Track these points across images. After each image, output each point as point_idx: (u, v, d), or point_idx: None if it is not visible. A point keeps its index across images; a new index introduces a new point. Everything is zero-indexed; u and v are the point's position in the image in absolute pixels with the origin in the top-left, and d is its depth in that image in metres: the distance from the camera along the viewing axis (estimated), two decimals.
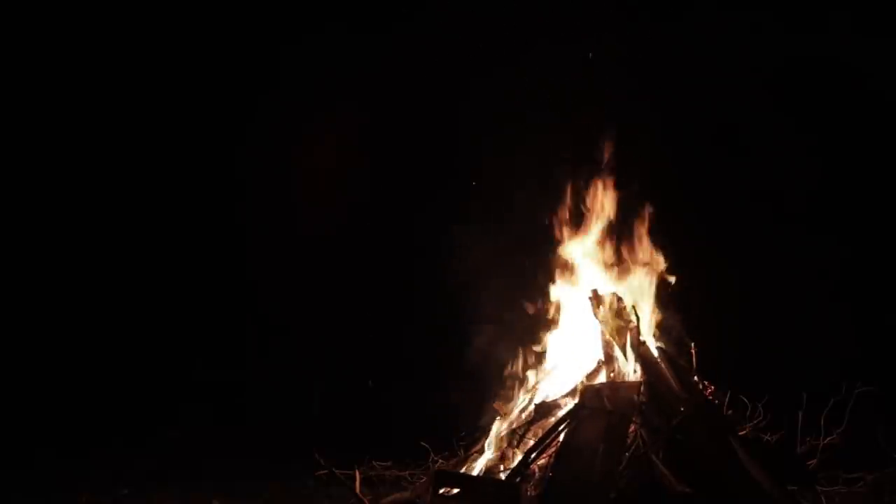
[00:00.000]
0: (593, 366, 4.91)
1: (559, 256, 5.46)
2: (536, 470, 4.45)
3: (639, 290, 5.18)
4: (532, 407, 4.90)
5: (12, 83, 8.20)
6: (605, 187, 5.41)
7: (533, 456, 4.43)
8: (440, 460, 5.24)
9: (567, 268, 5.42)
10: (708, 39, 7.19)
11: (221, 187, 8.53)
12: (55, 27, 8.25)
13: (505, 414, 5.15)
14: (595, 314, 4.92)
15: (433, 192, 7.87)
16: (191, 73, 8.51)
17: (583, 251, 5.40)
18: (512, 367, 5.40)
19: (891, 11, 7.36)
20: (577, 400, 4.59)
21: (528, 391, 5.22)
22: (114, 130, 8.59)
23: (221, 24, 8.39)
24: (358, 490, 4.54)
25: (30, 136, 8.43)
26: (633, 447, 4.20)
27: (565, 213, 5.49)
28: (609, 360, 4.82)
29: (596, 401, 4.38)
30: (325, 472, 4.69)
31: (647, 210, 5.32)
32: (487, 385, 5.44)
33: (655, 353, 4.76)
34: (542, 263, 5.51)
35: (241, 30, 8.43)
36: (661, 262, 5.24)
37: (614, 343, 4.80)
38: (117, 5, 8.28)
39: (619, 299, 4.91)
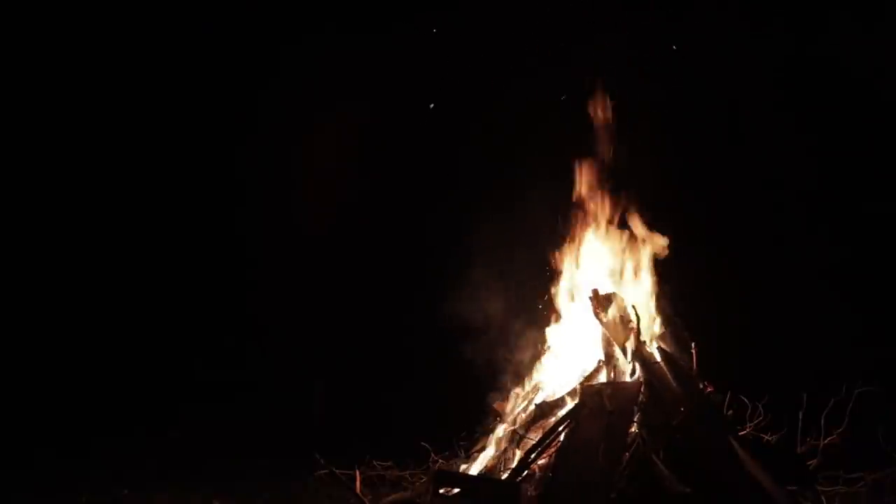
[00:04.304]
0: (593, 366, 4.91)
1: (561, 257, 5.46)
2: (536, 470, 4.45)
3: (639, 289, 5.18)
4: (532, 407, 4.89)
5: (13, 84, 8.20)
6: (607, 187, 5.41)
7: (533, 456, 4.43)
8: (440, 460, 5.23)
9: (569, 268, 5.42)
10: (710, 37, 7.19)
11: (222, 189, 8.54)
12: (56, 28, 8.26)
13: (505, 414, 5.15)
14: (595, 314, 4.92)
15: (434, 193, 7.87)
16: (191, 74, 8.52)
17: (584, 252, 5.40)
18: (513, 367, 5.40)
19: (891, 11, 7.37)
20: (577, 400, 4.59)
21: (528, 391, 5.21)
22: (114, 132, 8.60)
23: (221, 26, 8.39)
24: (358, 490, 4.54)
25: (31, 138, 8.44)
26: (633, 447, 4.20)
27: (567, 214, 5.48)
28: (609, 360, 4.82)
29: (596, 401, 4.38)
30: (325, 472, 4.69)
31: (647, 210, 5.32)
32: (488, 385, 5.44)
33: (655, 352, 4.76)
34: (545, 262, 5.52)
35: (240, 31, 8.44)
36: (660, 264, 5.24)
37: (614, 343, 4.80)
38: (118, 7, 8.29)
39: (620, 299, 4.91)
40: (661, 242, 5.20)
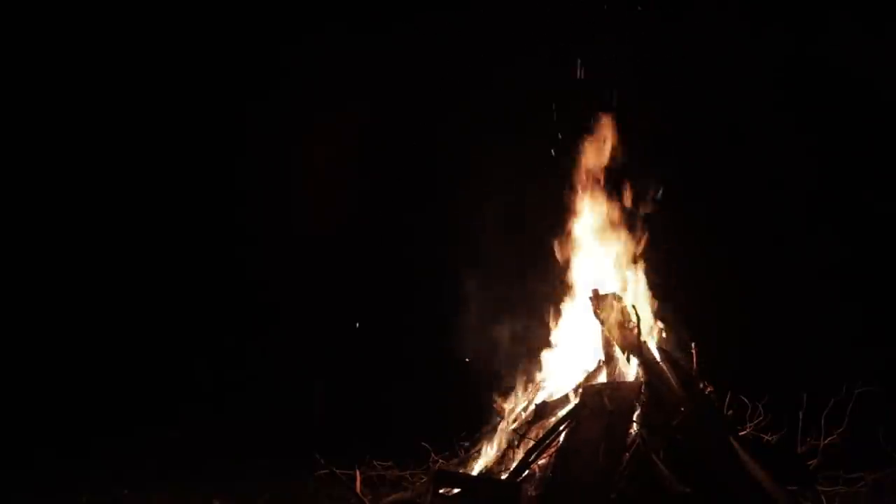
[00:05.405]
0: (594, 366, 4.91)
1: (560, 255, 5.46)
2: (536, 470, 4.44)
3: (640, 289, 5.18)
4: (532, 407, 4.89)
5: (13, 85, 8.20)
6: (605, 186, 5.41)
7: (533, 456, 4.43)
8: (440, 460, 5.23)
9: (569, 268, 5.42)
10: (710, 37, 7.19)
11: (222, 189, 8.54)
12: (56, 28, 8.26)
13: (505, 414, 5.15)
14: (595, 314, 4.91)
15: (434, 193, 7.87)
16: (190, 74, 8.52)
17: (584, 250, 5.40)
18: (513, 368, 5.40)
19: (891, 11, 7.37)
20: (577, 400, 4.59)
21: (528, 391, 5.21)
22: (113, 132, 8.60)
23: (221, 27, 8.40)
24: (358, 490, 4.54)
25: (31, 138, 8.44)
26: (633, 447, 4.20)
27: (566, 213, 5.48)
28: (609, 360, 4.82)
29: (596, 401, 4.38)
30: (325, 472, 4.69)
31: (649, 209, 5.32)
32: (488, 385, 5.44)
33: (656, 353, 4.76)
34: (544, 263, 5.51)
35: (239, 31, 8.44)
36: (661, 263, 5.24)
37: (614, 343, 4.80)
38: (117, 7, 8.29)
39: (620, 299, 4.91)
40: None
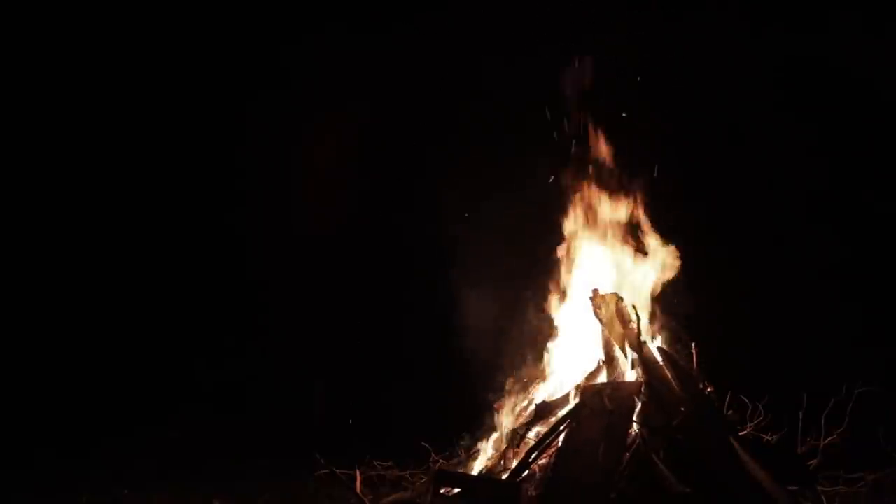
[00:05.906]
0: (594, 366, 4.91)
1: (560, 256, 5.46)
2: (536, 470, 4.45)
3: (640, 289, 5.17)
4: (533, 407, 4.89)
5: (12, 84, 8.20)
6: (607, 185, 5.40)
7: (533, 456, 4.43)
8: (441, 460, 5.24)
9: (567, 268, 5.42)
10: (710, 37, 7.19)
11: (222, 189, 8.54)
12: (57, 28, 8.26)
13: (506, 414, 5.15)
14: (596, 314, 4.91)
15: (433, 193, 7.87)
16: (190, 74, 8.52)
17: (584, 250, 5.40)
18: (513, 368, 5.40)
19: (891, 11, 7.37)
20: (577, 400, 4.59)
21: (528, 391, 5.21)
22: (114, 132, 8.60)
23: (221, 27, 8.40)
24: (358, 490, 4.54)
25: (31, 138, 8.44)
26: (633, 447, 4.20)
27: (566, 213, 5.48)
28: (609, 360, 4.82)
29: (596, 401, 4.38)
30: (325, 472, 4.69)
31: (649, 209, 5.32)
32: (488, 385, 5.44)
33: (656, 353, 4.76)
34: (543, 263, 5.51)
35: (239, 31, 8.44)
36: (662, 262, 5.24)
37: (614, 343, 4.80)
38: (118, 7, 8.30)
39: (620, 299, 4.90)
40: (670, 255, 5.19)
